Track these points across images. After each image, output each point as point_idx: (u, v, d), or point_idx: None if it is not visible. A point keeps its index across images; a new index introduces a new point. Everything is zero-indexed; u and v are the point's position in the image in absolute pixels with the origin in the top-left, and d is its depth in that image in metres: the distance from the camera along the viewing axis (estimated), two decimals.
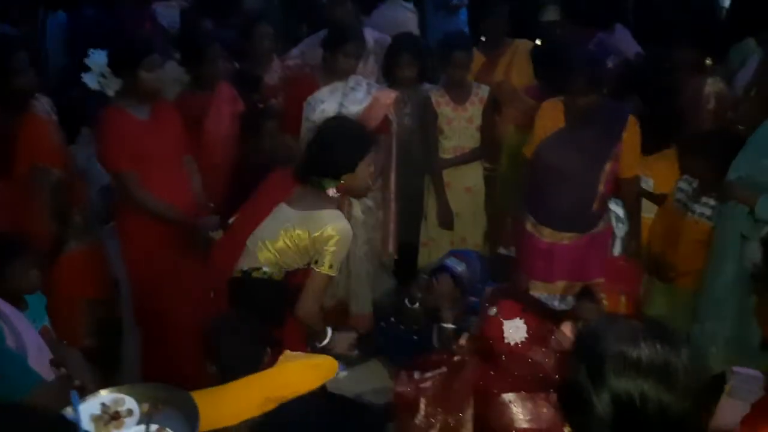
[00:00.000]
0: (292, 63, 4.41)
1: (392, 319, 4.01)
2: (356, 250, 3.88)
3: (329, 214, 2.71)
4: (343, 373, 2.92)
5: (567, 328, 3.04)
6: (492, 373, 2.80)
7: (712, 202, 3.26)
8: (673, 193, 3.43)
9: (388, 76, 4.10)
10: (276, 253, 2.74)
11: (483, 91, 4.05)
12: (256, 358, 2.37)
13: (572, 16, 4.44)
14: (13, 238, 2.78)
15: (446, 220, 4.07)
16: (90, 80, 3.29)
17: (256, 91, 4.14)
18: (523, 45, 4.35)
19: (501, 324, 2.84)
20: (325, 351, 2.82)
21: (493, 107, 4.06)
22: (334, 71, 3.80)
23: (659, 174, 3.60)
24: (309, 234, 2.69)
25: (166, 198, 3.36)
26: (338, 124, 2.99)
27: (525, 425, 2.73)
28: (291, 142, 3.82)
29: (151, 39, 4.04)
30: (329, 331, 2.84)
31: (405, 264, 4.14)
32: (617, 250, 3.66)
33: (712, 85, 3.70)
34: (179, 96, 3.85)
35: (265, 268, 2.76)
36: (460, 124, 4.03)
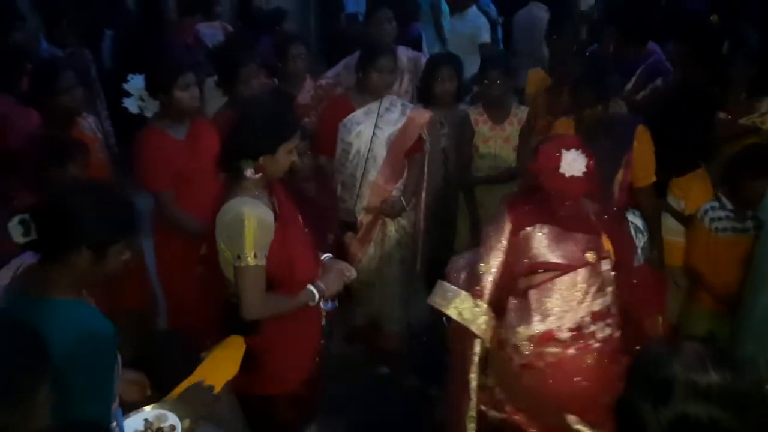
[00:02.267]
0: (324, 82, 4.44)
1: (424, 338, 4.03)
2: (389, 269, 3.91)
3: (237, 202, 2.55)
4: (332, 305, 2.87)
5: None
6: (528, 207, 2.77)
7: (749, 222, 3.23)
8: (703, 216, 3.38)
9: (425, 94, 4.12)
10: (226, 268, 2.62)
11: (522, 112, 4.07)
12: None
13: (626, 31, 4.45)
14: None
15: (477, 239, 4.06)
16: (130, 105, 3.34)
17: (289, 110, 4.19)
18: None
19: (558, 153, 2.67)
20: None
21: (530, 128, 4.06)
22: (368, 89, 3.81)
23: (692, 195, 3.57)
24: (222, 227, 2.56)
25: (202, 216, 3.40)
26: (265, 102, 2.89)
27: (553, 259, 2.72)
28: (324, 163, 3.87)
29: (185, 58, 4.10)
30: (312, 289, 2.69)
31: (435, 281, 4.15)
32: (638, 260, 3.58)
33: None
34: (216, 114, 3.91)
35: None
36: (496, 143, 4.04)
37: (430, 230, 4.04)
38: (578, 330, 2.73)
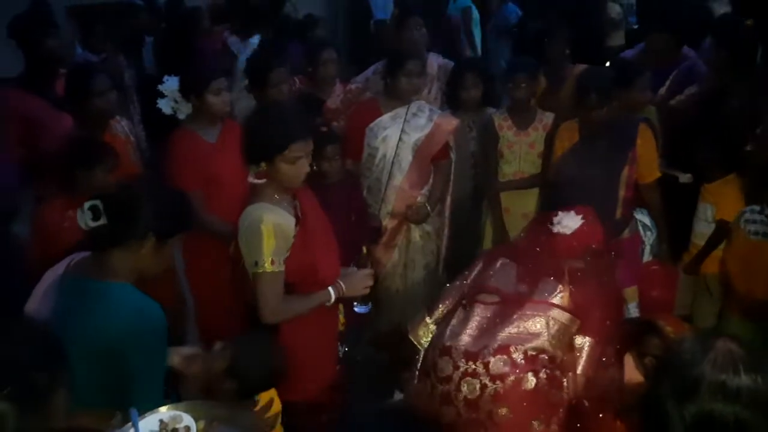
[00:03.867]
0: (354, 87, 4.47)
1: None
2: (413, 275, 3.90)
3: (255, 207, 2.54)
4: (365, 308, 2.86)
5: (629, 362, 2.95)
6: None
7: None
8: (740, 225, 3.32)
9: (452, 99, 4.11)
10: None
11: (547, 118, 4.03)
12: (271, 375, 2.40)
13: (661, 36, 4.43)
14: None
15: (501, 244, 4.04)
16: (164, 106, 3.42)
17: (319, 114, 4.22)
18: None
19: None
20: (346, 300, 2.76)
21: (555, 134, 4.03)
22: (396, 94, 3.83)
23: (722, 201, 3.55)
24: (242, 232, 2.57)
25: (231, 218, 3.42)
26: (270, 109, 2.83)
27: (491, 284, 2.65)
28: (351, 166, 3.88)
29: (218, 64, 4.15)
30: (330, 290, 2.66)
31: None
32: (646, 257, 3.72)
33: None
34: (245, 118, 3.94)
35: None
36: (521, 149, 4.01)
37: (454, 236, 4.01)
38: (472, 356, 2.53)
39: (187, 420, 1.85)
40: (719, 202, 3.57)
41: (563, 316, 2.53)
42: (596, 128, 3.54)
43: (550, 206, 3.56)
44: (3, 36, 4.50)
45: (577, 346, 2.52)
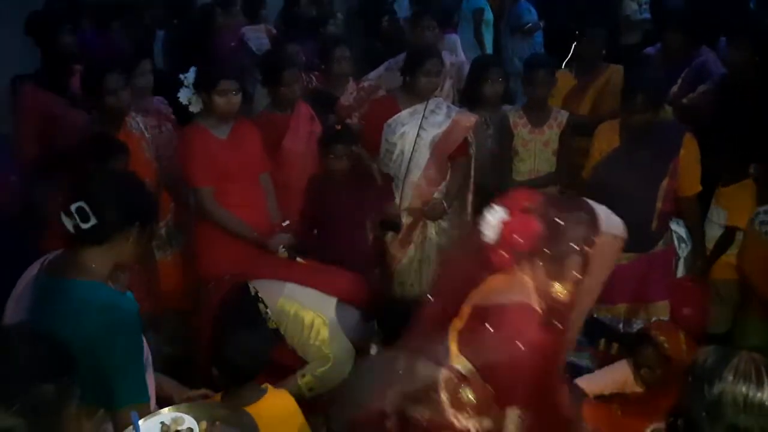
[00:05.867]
0: (367, 85, 4.48)
1: None
2: (429, 271, 3.88)
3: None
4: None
5: (627, 373, 2.87)
6: None
7: None
8: (754, 228, 3.28)
9: (471, 96, 4.09)
10: None
11: (562, 116, 4.01)
12: (260, 359, 2.44)
13: (675, 32, 4.39)
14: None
15: None
16: (183, 96, 3.43)
17: (332, 111, 4.22)
18: (617, 70, 4.29)
19: None
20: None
21: (571, 133, 4.00)
22: (415, 92, 3.83)
23: (735, 206, 3.48)
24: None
25: (241, 215, 3.45)
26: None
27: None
28: (367, 162, 3.88)
29: (229, 64, 4.15)
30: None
31: None
32: (680, 271, 3.57)
33: None
34: (259, 115, 3.96)
35: None
36: (536, 146, 3.99)
37: None
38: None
39: (189, 421, 1.82)
40: (732, 208, 3.50)
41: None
42: (638, 133, 3.36)
43: None
44: (20, 33, 4.54)
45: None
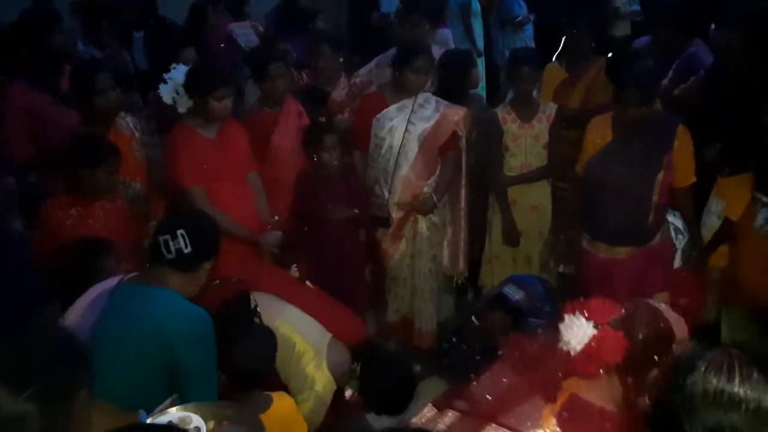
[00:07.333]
0: (359, 80, 4.48)
1: (454, 339, 3.98)
2: (421, 266, 3.90)
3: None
4: None
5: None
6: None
7: None
8: (754, 222, 3.28)
9: (452, 91, 4.09)
10: None
11: (550, 109, 4.01)
12: (266, 363, 2.51)
13: (666, 24, 4.34)
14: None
15: (511, 238, 4.02)
16: (165, 93, 3.40)
17: (323, 106, 4.22)
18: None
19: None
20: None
21: (560, 125, 4.00)
22: (403, 88, 3.84)
23: (733, 198, 3.46)
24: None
25: (230, 214, 3.45)
26: None
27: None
28: (358, 158, 3.91)
29: (225, 69, 4.13)
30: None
31: (467, 281, 4.14)
32: (678, 262, 3.57)
33: None
34: (248, 111, 3.95)
35: None
36: (526, 141, 3.99)
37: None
38: None
39: (197, 421, 1.84)
40: (731, 199, 3.45)
41: None
42: (632, 126, 3.35)
43: (582, 209, 3.53)
44: None
45: None
